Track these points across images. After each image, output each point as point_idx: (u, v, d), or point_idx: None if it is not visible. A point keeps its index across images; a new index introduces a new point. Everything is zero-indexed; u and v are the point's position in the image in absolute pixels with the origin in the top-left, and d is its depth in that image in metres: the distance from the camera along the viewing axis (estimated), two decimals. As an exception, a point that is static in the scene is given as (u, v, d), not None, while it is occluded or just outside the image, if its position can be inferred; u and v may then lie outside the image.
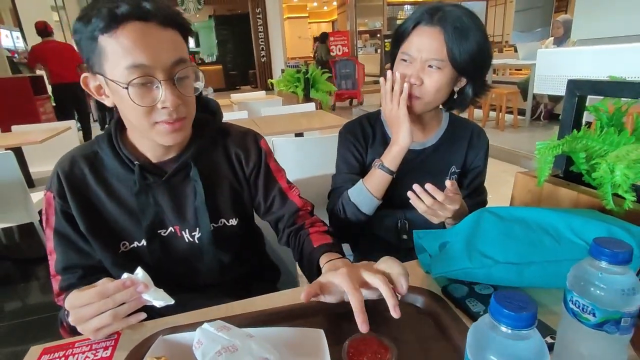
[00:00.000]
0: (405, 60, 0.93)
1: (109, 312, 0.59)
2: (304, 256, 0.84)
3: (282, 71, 8.04)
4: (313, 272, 0.78)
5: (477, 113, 5.75)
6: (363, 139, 1.06)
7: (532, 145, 0.85)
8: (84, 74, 0.72)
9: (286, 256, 1.21)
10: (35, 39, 5.07)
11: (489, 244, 0.67)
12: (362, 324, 0.53)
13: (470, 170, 1.07)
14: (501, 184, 1.90)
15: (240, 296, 0.72)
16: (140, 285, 0.60)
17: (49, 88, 5.26)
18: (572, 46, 3.47)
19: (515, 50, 6.41)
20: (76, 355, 0.59)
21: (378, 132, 1.07)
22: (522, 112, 5.34)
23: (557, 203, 0.86)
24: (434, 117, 1.05)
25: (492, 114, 5.41)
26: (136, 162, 0.76)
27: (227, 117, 0.88)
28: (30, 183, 2.65)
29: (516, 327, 0.35)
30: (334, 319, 0.63)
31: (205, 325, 0.52)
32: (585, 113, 0.87)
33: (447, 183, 0.80)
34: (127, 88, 0.65)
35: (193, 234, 0.82)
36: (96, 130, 6.23)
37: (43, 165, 2.84)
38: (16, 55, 6.31)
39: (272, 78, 8.87)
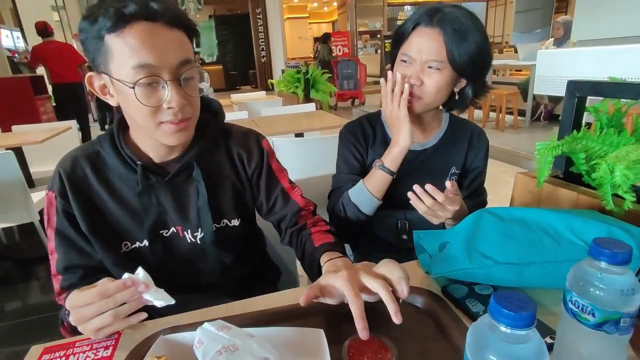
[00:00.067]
0: (405, 61, 0.93)
1: (109, 312, 0.59)
2: (305, 255, 0.84)
3: (283, 71, 8.05)
4: (314, 271, 0.78)
5: (477, 114, 5.76)
6: (363, 139, 1.07)
7: (532, 146, 0.86)
8: (89, 73, 0.72)
9: (287, 256, 1.21)
10: (35, 39, 5.08)
11: (488, 244, 0.67)
12: (362, 331, 0.54)
13: (470, 171, 1.07)
14: (501, 184, 1.90)
15: (241, 296, 0.72)
16: (141, 285, 0.60)
17: (50, 88, 5.26)
18: (572, 47, 3.47)
19: (516, 51, 6.41)
20: (77, 355, 0.59)
21: (378, 132, 1.08)
22: (522, 113, 5.34)
23: (557, 204, 0.86)
24: (434, 118, 1.05)
25: (492, 114, 5.41)
26: (139, 162, 0.76)
27: (228, 117, 0.88)
28: (31, 183, 2.65)
29: (515, 327, 0.35)
30: (334, 319, 0.63)
31: (206, 325, 0.52)
32: (585, 114, 0.87)
33: (447, 184, 0.80)
34: (133, 88, 0.65)
35: (195, 234, 0.82)
36: (96, 130, 6.23)
37: (43, 165, 2.84)
38: (16, 55, 6.31)
39: (272, 78, 8.87)
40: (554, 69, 3.12)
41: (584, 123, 0.88)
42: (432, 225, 0.88)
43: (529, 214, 0.72)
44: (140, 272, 0.61)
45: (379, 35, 12.44)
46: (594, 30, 3.11)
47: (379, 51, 12.04)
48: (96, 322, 0.59)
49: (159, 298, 0.61)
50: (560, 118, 0.91)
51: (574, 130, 0.83)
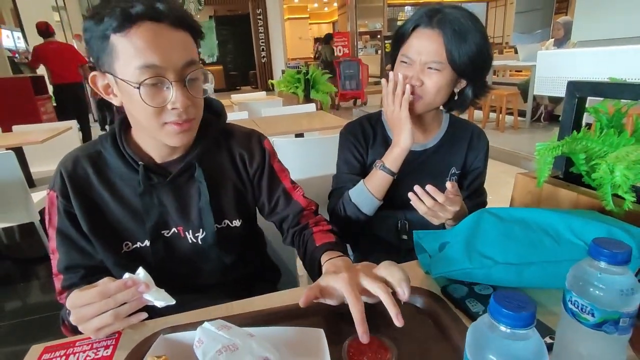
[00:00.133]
0: (405, 62, 0.93)
1: (110, 312, 0.59)
2: (306, 255, 0.84)
3: (283, 72, 8.06)
4: (315, 270, 0.79)
5: (477, 114, 5.76)
6: (364, 139, 1.07)
7: (532, 147, 0.86)
8: (92, 73, 0.72)
9: (287, 257, 1.21)
10: (35, 39, 5.08)
11: (488, 244, 0.68)
12: (362, 335, 0.54)
13: (470, 171, 1.07)
14: (501, 185, 1.90)
15: (241, 297, 0.72)
16: (142, 285, 0.60)
17: (50, 88, 5.27)
18: (572, 48, 3.47)
19: (516, 52, 6.42)
20: (77, 355, 0.59)
21: (379, 132, 1.08)
22: (522, 114, 5.34)
23: (556, 204, 0.86)
24: (435, 119, 1.06)
25: (492, 115, 5.41)
26: (140, 163, 0.76)
27: (228, 117, 0.88)
28: (31, 183, 2.65)
29: (515, 326, 0.35)
30: (334, 318, 0.64)
31: (206, 324, 0.52)
32: (585, 114, 0.88)
33: (448, 184, 0.81)
34: (138, 88, 0.65)
35: (196, 234, 0.82)
36: (96, 130, 6.24)
37: (44, 165, 2.85)
38: (17, 55, 6.32)
39: (272, 79, 8.88)
40: (554, 69, 3.13)
41: (584, 123, 0.88)
42: (432, 225, 0.88)
43: (528, 214, 0.72)
44: (140, 272, 0.61)
45: (379, 36, 12.46)
46: (594, 31, 3.11)
47: (379, 52, 12.05)
48: (96, 322, 0.59)
49: (160, 298, 0.61)
50: (560, 119, 0.91)
51: (574, 131, 0.83)
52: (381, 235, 1.10)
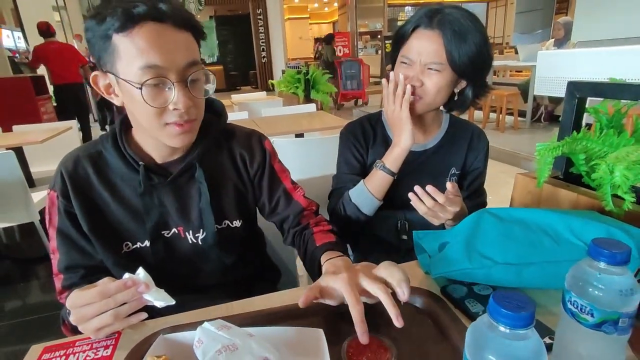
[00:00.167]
0: (405, 63, 0.93)
1: (109, 312, 0.59)
2: (307, 255, 0.84)
3: (283, 72, 8.06)
4: (315, 270, 0.79)
5: (478, 114, 5.76)
6: (364, 139, 1.07)
7: (532, 147, 0.86)
8: (93, 72, 0.72)
9: (287, 257, 1.21)
10: (36, 39, 5.08)
11: (488, 244, 0.68)
12: (362, 335, 0.54)
13: (470, 171, 1.07)
14: (501, 185, 1.90)
15: (241, 297, 0.72)
16: (142, 286, 0.60)
17: (51, 88, 5.28)
18: (572, 48, 3.47)
19: (516, 52, 6.42)
20: (77, 354, 0.59)
21: (379, 133, 1.08)
22: (522, 114, 5.34)
23: (556, 204, 0.86)
24: (435, 119, 1.06)
25: (493, 115, 5.41)
26: (141, 163, 0.76)
27: (228, 117, 0.89)
28: (31, 183, 2.66)
29: (514, 326, 0.35)
30: (333, 318, 0.64)
31: (206, 324, 0.52)
32: (585, 115, 0.88)
33: (448, 185, 0.81)
34: (140, 88, 0.65)
35: (197, 235, 0.82)
36: (96, 130, 6.24)
37: (44, 165, 2.85)
38: (17, 55, 6.32)
39: (272, 79, 8.88)
40: (554, 69, 3.12)
41: (584, 124, 0.88)
42: (432, 225, 0.88)
43: (528, 214, 0.72)
44: (140, 272, 0.61)
45: (379, 36, 12.47)
46: (595, 31, 3.11)
47: (379, 52, 12.06)
48: (96, 322, 0.59)
49: (159, 298, 0.61)
50: (560, 119, 0.91)
51: (574, 131, 0.83)
52: (381, 235, 1.10)
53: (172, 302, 0.61)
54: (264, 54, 12.19)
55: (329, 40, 9.16)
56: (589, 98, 0.86)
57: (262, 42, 12.03)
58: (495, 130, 5.11)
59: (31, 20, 5.83)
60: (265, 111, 3.04)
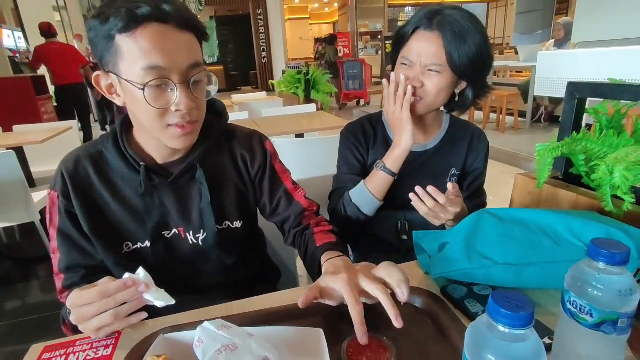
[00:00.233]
0: (405, 65, 0.93)
1: (110, 312, 0.59)
2: (307, 255, 0.84)
3: (283, 72, 8.07)
4: (315, 270, 0.79)
5: (478, 115, 5.76)
6: (364, 139, 1.07)
7: (532, 148, 0.86)
8: (95, 72, 0.71)
9: (287, 257, 1.21)
10: (36, 39, 5.09)
11: (488, 245, 0.68)
12: (362, 337, 0.54)
13: (470, 172, 1.07)
14: (501, 185, 1.90)
15: (241, 297, 0.72)
16: (142, 285, 0.60)
17: (51, 89, 5.28)
18: (572, 49, 3.47)
19: (516, 53, 6.42)
20: (77, 354, 0.59)
21: (379, 133, 1.08)
22: (522, 114, 5.34)
23: (556, 205, 0.86)
24: (435, 120, 1.06)
25: (493, 115, 5.41)
26: (142, 163, 0.76)
27: (229, 118, 0.89)
28: (32, 183, 2.66)
29: (513, 326, 0.35)
30: (333, 318, 0.64)
31: (206, 324, 0.52)
32: (585, 115, 0.88)
33: (449, 186, 0.81)
34: (143, 89, 0.65)
35: (197, 236, 0.82)
36: (96, 130, 6.24)
37: (44, 165, 2.85)
38: (18, 55, 6.33)
39: (273, 79, 8.88)
40: (554, 70, 3.13)
41: (584, 124, 0.88)
42: (432, 225, 0.88)
43: (528, 214, 0.72)
44: (141, 272, 0.61)
45: (379, 37, 12.49)
46: (595, 32, 3.11)
47: (379, 52, 12.07)
48: (96, 322, 0.59)
49: (160, 298, 0.61)
50: (560, 119, 0.91)
51: (574, 132, 0.83)
52: (381, 236, 1.10)
53: (172, 302, 0.61)
54: (264, 54, 12.20)
55: (332, 40, 9.18)
56: (589, 99, 0.86)
57: (263, 43, 12.03)
58: (495, 130, 5.11)
59: (32, 20, 5.83)
60: (265, 111, 3.04)
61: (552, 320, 0.54)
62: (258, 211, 0.95)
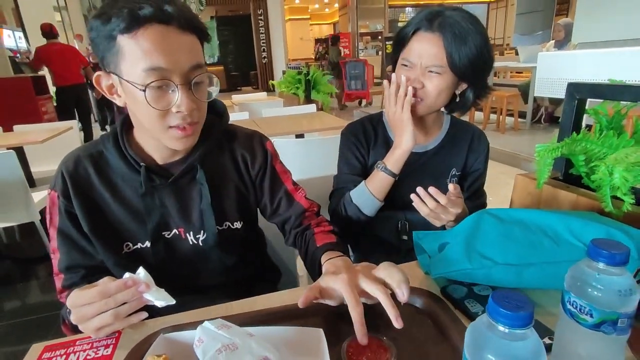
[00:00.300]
0: (406, 66, 0.93)
1: (110, 312, 0.59)
2: (307, 255, 0.84)
3: (283, 72, 8.09)
4: (315, 270, 0.79)
5: (478, 115, 5.76)
6: (365, 140, 1.07)
7: (532, 148, 0.86)
8: (97, 73, 0.71)
9: (287, 257, 1.21)
10: (37, 39, 5.09)
11: (488, 245, 0.68)
12: (362, 337, 0.54)
13: (471, 173, 1.07)
14: (501, 186, 1.90)
15: (241, 297, 0.72)
16: (142, 285, 0.60)
17: (52, 89, 5.28)
18: (572, 49, 3.48)
19: (517, 53, 6.42)
20: (77, 354, 0.59)
21: (380, 133, 1.08)
22: (522, 115, 5.34)
23: (556, 205, 0.86)
24: (436, 121, 1.06)
25: (493, 116, 5.41)
26: (142, 164, 0.76)
27: (230, 118, 0.89)
28: (32, 183, 2.66)
29: (513, 326, 0.35)
30: (333, 318, 0.64)
31: (206, 324, 0.52)
32: (585, 116, 0.88)
33: (450, 186, 0.81)
34: (144, 90, 0.64)
35: (197, 236, 0.82)
36: (96, 130, 6.24)
37: (44, 165, 2.85)
38: (18, 55, 6.33)
39: (273, 79, 8.90)
40: (554, 71, 3.13)
41: (584, 125, 0.88)
42: (432, 226, 0.88)
43: (528, 215, 0.72)
44: (141, 271, 0.61)
45: (380, 37, 12.48)
46: (595, 33, 3.12)
47: (379, 53, 12.07)
48: (96, 322, 0.59)
49: (160, 298, 0.61)
50: (560, 120, 0.91)
51: (574, 133, 0.84)
52: (382, 236, 1.10)
53: (173, 301, 0.61)
54: (264, 54, 12.21)
55: (334, 41, 9.21)
56: (589, 99, 0.86)
57: (263, 43, 12.04)
58: (495, 131, 5.11)
59: (32, 20, 5.84)
60: (265, 112, 3.05)
61: (552, 320, 0.54)
62: (258, 211, 0.95)
